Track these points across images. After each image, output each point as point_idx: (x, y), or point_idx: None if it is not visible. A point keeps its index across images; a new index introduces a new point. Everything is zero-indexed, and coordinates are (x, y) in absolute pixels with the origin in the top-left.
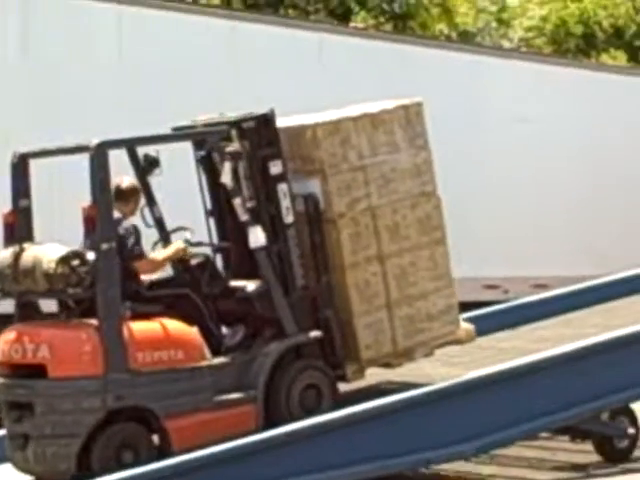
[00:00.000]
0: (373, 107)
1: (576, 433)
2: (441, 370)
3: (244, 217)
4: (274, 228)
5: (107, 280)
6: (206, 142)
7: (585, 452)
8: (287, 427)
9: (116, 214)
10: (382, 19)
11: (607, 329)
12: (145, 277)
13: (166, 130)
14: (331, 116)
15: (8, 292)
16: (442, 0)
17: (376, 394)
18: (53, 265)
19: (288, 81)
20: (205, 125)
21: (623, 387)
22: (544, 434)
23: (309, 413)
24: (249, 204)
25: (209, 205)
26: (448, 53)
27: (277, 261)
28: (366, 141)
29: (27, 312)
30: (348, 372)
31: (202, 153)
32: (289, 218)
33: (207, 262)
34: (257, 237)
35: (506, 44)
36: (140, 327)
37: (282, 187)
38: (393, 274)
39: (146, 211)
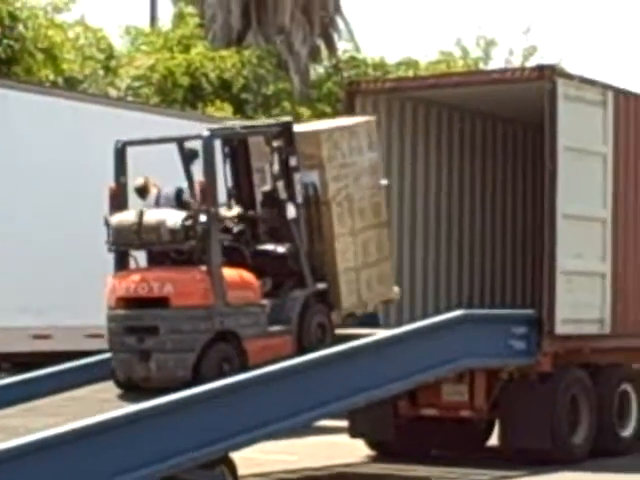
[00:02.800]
0: (346, 121)
1: None
2: None
3: (283, 195)
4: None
5: (214, 236)
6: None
7: None
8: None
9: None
10: None
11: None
12: None
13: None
14: (324, 125)
15: (129, 244)
16: (47, 46)
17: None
18: (178, 223)
19: None
20: (244, 127)
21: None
22: None
23: (321, 343)
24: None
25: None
26: (52, 99)
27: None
28: (346, 145)
29: (153, 257)
30: (335, 317)
31: (229, 147)
32: (299, 199)
33: (246, 229)
34: (291, 211)
35: (113, 92)
36: (227, 272)
37: (297, 176)
38: (359, 245)
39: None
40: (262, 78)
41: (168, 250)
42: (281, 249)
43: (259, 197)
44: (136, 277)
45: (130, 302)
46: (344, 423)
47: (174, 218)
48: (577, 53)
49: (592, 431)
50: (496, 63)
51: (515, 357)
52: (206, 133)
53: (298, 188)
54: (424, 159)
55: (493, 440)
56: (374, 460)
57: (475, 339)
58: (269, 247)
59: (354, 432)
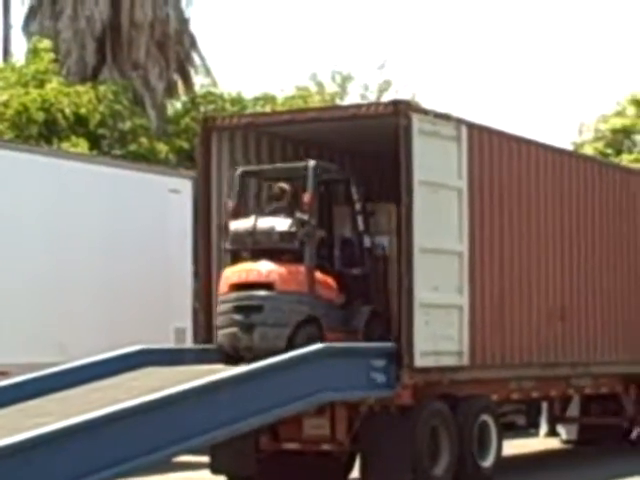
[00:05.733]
0: None
1: None
2: None
3: (361, 227)
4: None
5: (311, 242)
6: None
7: None
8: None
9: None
10: None
11: (66, 416)
12: None
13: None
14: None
15: (244, 244)
16: None
17: None
18: (287, 228)
19: None
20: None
21: None
22: None
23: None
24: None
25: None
26: None
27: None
28: None
29: (260, 256)
30: None
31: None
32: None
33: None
34: (367, 241)
35: None
36: (318, 273)
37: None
38: None
39: None
40: (118, 114)
41: (274, 250)
42: (355, 271)
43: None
44: (248, 267)
45: (241, 287)
46: (205, 458)
47: (282, 225)
48: (431, 88)
49: (453, 462)
50: (352, 98)
51: (375, 390)
52: (312, 163)
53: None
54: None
55: (355, 473)
56: None
57: (334, 372)
58: (345, 269)
59: (215, 467)
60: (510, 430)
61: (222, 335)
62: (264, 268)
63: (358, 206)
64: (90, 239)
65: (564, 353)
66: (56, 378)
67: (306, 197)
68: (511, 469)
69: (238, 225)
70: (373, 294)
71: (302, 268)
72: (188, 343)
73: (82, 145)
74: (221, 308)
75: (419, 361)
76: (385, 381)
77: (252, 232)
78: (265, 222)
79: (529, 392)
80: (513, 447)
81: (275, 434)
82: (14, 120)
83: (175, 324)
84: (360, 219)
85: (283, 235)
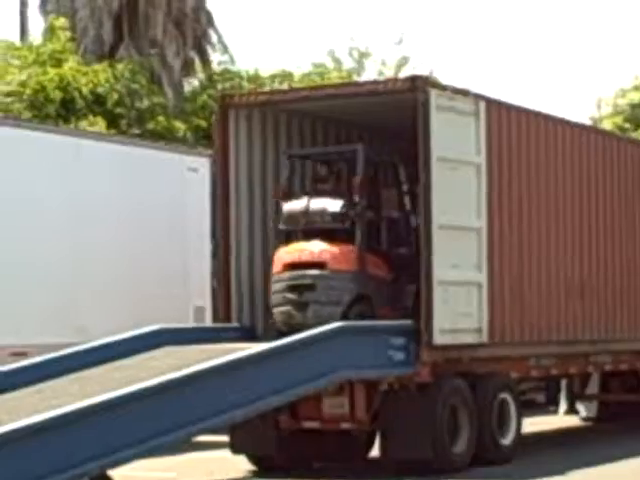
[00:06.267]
0: None
1: None
2: None
3: (408, 207)
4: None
5: (362, 222)
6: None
7: None
8: None
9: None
10: None
11: (86, 396)
12: None
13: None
14: None
15: (297, 224)
16: None
17: None
18: (339, 209)
19: None
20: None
21: None
22: None
23: None
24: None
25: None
26: None
27: None
28: None
29: (312, 236)
30: None
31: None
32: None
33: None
34: (414, 220)
35: None
36: (368, 253)
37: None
38: None
39: None
40: (135, 92)
41: (326, 230)
42: (403, 250)
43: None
44: (300, 247)
45: (294, 266)
46: (225, 438)
47: (334, 206)
48: (449, 63)
49: (472, 440)
50: (369, 74)
51: (394, 368)
52: (362, 146)
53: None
54: (300, 171)
55: (375, 451)
56: (256, 475)
57: (353, 351)
58: (393, 248)
59: (235, 447)
60: (529, 408)
61: (276, 313)
62: (317, 248)
63: (405, 187)
64: (108, 218)
65: (583, 330)
66: (75, 358)
67: (357, 179)
68: (531, 447)
69: (291, 206)
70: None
71: (353, 247)
72: (207, 322)
73: (100, 124)
74: (275, 287)
75: (438, 339)
76: (404, 359)
77: (305, 213)
78: (317, 203)
79: (548, 369)
80: (532, 425)
81: (294, 413)
82: (32, 100)
83: (194, 303)
84: (407, 200)
85: (335, 216)
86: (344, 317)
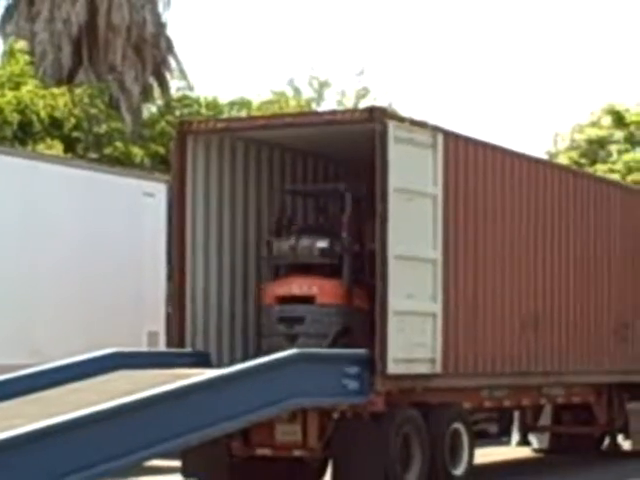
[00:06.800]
0: None
1: None
2: None
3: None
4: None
5: (348, 258)
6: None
7: None
8: None
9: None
10: None
11: (41, 418)
12: None
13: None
14: None
15: (286, 259)
16: None
17: None
18: (327, 245)
19: None
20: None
21: None
22: None
23: None
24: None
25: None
26: None
27: None
28: None
29: (301, 272)
30: None
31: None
32: None
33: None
34: None
35: None
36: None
37: None
38: None
39: None
40: (94, 117)
41: (314, 265)
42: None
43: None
44: (290, 281)
45: (284, 299)
46: (177, 463)
47: (322, 242)
48: (409, 96)
49: (425, 470)
50: (329, 104)
51: (348, 396)
52: (345, 186)
53: None
54: (255, 200)
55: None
56: None
57: (307, 378)
58: (374, 279)
59: (187, 472)
60: (482, 438)
61: (266, 343)
62: (306, 283)
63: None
64: (64, 242)
65: (536, 362)
66: (29, 380)
67: (345, 217)
68: (483, 477)
69: (281, 241)
70: None
71: (340, 282)
72: (161, 347)
73: (57, 148)
74: (265, 319)
75: (392, 368)
76: (358, 388)
77: (294, 248)
78: (306, 239)
79: (501, 401)
80: (485, 455)
81: (247, 439)
82: None
83: (148, 328)
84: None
85: (323, 251)
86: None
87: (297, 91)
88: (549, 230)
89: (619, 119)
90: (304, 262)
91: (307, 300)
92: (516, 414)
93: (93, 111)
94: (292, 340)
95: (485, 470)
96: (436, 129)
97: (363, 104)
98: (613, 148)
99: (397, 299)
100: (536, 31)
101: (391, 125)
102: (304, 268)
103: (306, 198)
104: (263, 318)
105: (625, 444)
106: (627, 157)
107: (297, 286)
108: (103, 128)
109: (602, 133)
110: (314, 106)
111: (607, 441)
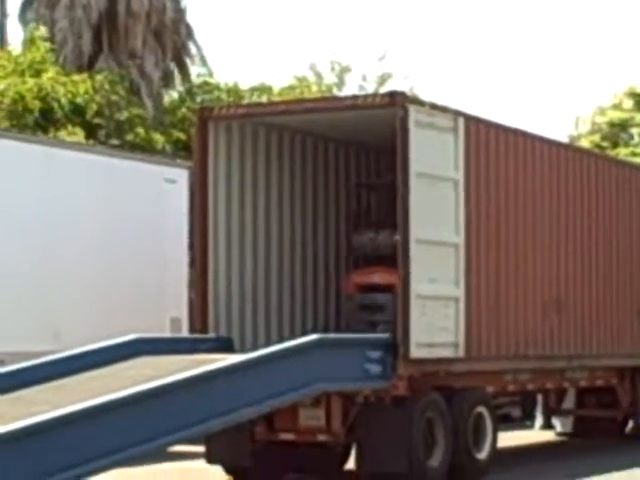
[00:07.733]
0: None
1: None
2: None
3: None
4: None
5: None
6: None
7: None
8: None
9: None
10: None
11: (64, 405)
12: None
13: None
14: None
15: (366, 252)
16: None
17: None
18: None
19: None
20: None
21: None
22: None
23: None
24: None
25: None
26: None
27: None
28: None
29: (381, 262)
30: None
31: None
32: None
33: None
34: None
35: None
36: None
37: None
38: None
39: None
40: (115, 103)
41: (393, 256)
42: None
43: None
44: (371, 271)
45: (364, 288)
46: (200, 448)
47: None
48: (431, 80)
49: (448, 454)
50: (350, 89)
51: (371, 381)
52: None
53: None
54: (277, 185)
55: (350, 464)
56: None
57: (330, 363)
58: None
59: (211, 457)
60: (505, 422)
61: (347, 330)
62: (386, 273)
63: None
64: (86, 228)
65: (560, 346)
66: (52, 366)
67: None
68: (506, 461)
69: (361, 236)
70: None
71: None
72: (184, 333)
73: (79, 134)
74: (347, 307)
75: (415, 352)
76: (380, 372)
77: (374, 240)
78: (385, 232)
79: (524, 384)
80: (508, 439)
81: (270, 424)
82: (10, 109)
83: (171, 314)
84: None
85: (379, 243)
86: None
87: (319, 76)
88: (571, 213)
89: None
90: (384, 254)
91: (387, 289)
92: (539, 398)
93: (114, 98)
94: (372, 327)
95: (509, 454)
96: (457, 113)
97: (385, 89)
98: (635, 131)
99: (420, 283)
100: (559, 14)
101: (412, 109)
102: (384, 259)
103: (376, 190)
104: (345, 306)
105: None
106: None
107: (377, 276)
108: (124, 115)
109: (624, 116)
110: (335, 91)
111: (630, 424)
